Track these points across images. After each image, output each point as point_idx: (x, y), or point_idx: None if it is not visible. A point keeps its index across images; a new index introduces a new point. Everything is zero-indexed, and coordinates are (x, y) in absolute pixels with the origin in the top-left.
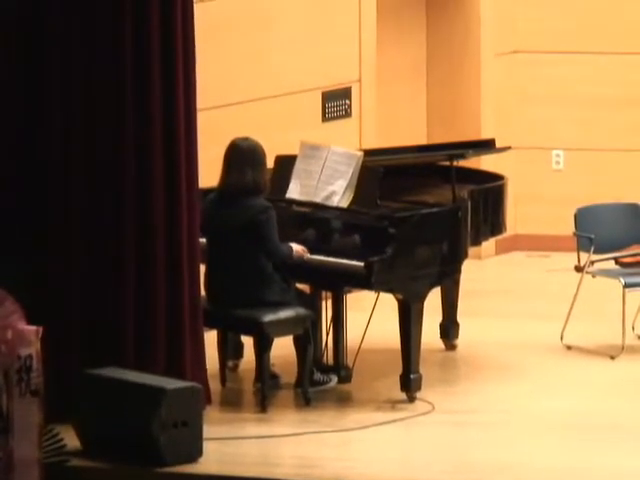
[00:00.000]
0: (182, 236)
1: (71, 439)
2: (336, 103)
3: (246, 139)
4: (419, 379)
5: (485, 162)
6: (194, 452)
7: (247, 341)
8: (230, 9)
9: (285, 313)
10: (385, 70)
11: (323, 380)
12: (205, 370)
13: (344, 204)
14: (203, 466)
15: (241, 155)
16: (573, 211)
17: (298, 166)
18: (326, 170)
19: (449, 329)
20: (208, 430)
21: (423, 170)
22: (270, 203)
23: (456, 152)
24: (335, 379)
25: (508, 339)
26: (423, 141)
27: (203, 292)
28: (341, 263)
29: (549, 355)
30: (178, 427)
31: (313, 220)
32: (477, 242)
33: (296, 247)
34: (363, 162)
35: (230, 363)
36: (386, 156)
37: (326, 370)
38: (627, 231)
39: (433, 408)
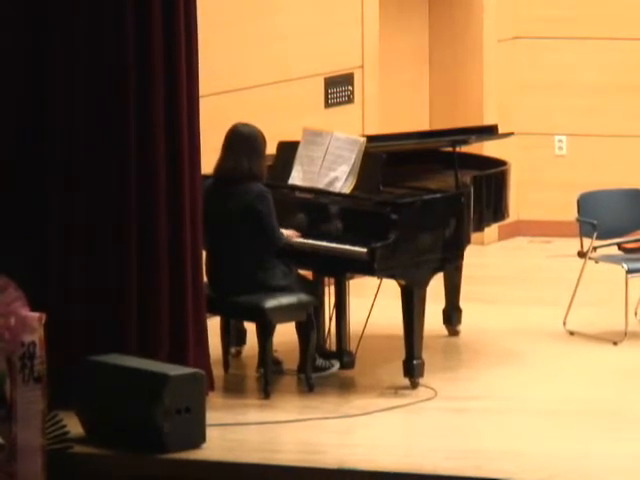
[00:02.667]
0: (185, 223)
1: (74, 426)
2: (339, 89)
3: (247, 125)
4: (422, 365)
5: (488, 148)
6: (197, 438)
7: (250, 327)
8: None
9: (288, 299)
10: (387, 56)
11: (326, 366)
12: (208, 356)
13: (347, 190)
14: (206, 452)
15: (240, 141)
16: (576, 197)
17: (300, 152)
18: (328, 156)
19: (452, 315)
20: (211, 416)
21: (426, 156)
22: (267, 188)
23: (459, 138)
24: (338, 365)
25: (511, 325)
26: (425, 127)
27: (205, 279)
28: (344, 249)
29: (552, 341)
30: (181, 413)
31: (315, 206)
32: (480, 228)
33: (286, 232)
34: (365, 148)
35: (233, 349)
36: (388, 142)
37: (329, 356)
38: (630, 217)
39: (436, 394)
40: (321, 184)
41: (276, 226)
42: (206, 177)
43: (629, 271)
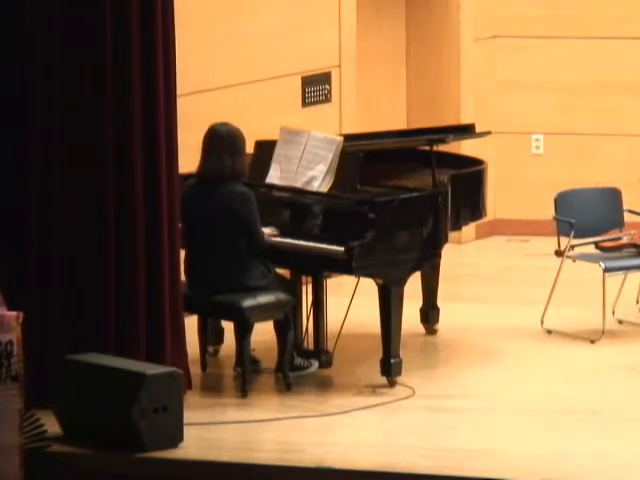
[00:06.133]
0: (162, 221)
1: (52, 425)
2: (316, 88)
3: (225, 124)
4: (399, 364)
5: (465, 147)
6: (174, 437)
7: (227, 326)
8: None
9: (265, 298)
10: (365, 55)
11: (304, 365)
12: (185, 355)
13: (324, 189)
14: (183, 451)
15: (220, 141)
16: (553, 195)
17: (278, 151)
18: (306, 155)
19: (429, 314)
20: (188, 415)
21: (403, 155)
22: (249, 189)
23: (436, 137)
24: (316, 364)
25: (488, 324)
26: (403, 126)
27: (183, 277)
28: (321, 248)
29: (529, 340)
30: (158, 412)
31: (293, 205)
32: (457, 227)
33: (266, 230)
34: (343, 147)
35: (210, 348)
36: (366, 141)
37: (306, 355)
38: (607, 215)
39: (413, 393)
40: (298, 183)
41: (260, 229)
42: (185, 177)
43: (606, 270)
